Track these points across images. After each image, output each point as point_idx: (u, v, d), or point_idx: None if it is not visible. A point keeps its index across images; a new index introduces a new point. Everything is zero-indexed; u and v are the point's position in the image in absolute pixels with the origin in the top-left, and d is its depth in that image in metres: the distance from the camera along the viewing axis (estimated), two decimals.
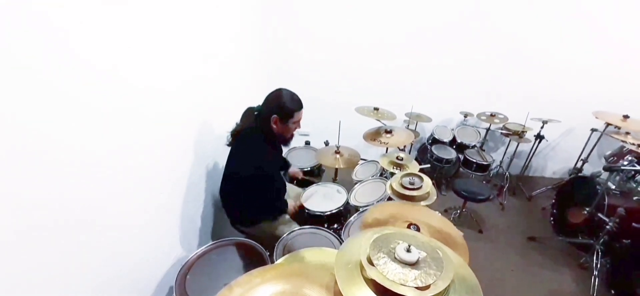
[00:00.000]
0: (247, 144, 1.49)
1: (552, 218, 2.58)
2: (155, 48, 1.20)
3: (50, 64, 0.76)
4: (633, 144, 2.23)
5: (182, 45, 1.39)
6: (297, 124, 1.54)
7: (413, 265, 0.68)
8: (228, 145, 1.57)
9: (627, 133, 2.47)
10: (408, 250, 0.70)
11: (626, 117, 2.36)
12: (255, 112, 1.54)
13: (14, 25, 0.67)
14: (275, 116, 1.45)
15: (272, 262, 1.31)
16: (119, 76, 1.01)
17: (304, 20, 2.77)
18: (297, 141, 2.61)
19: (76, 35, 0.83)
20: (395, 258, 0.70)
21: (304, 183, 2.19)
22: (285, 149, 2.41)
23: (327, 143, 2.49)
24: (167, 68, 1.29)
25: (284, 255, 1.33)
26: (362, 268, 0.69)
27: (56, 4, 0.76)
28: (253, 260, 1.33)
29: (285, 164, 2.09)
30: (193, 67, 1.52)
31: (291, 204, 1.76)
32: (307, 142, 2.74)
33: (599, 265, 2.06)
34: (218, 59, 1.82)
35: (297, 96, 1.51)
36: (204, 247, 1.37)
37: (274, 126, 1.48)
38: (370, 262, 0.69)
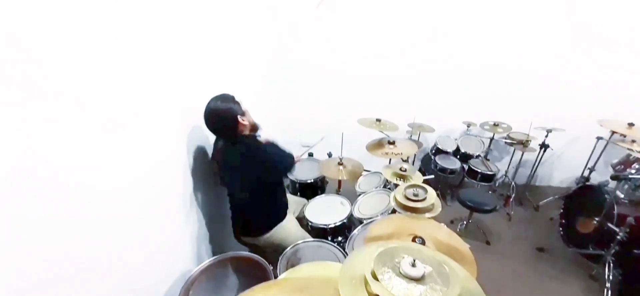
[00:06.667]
0: (244, 151, 1.48)
1: (561, 228, 2.53)
2: (155, 62, 1.22)
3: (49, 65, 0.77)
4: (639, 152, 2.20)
5: (183, 55, 1.42)
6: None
7: (419, 280, 0.67)
8: (221, 171, 1.58)
9: (633, 141, 2.43)
10: (413, 265, 0.69)
11: (631, 125, 2.34)
12: (223, 136, 1.52)
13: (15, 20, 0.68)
14: (237, 116, 1.43)
15: (276, 276, 1.30)
16: (124, 95, 1.03)
17: (306, 34, 2.82)
18: (300, 153, 2.62)
19: (79, 37, 0.84)
20: (400, 273, 0.68)
21: (306, 193, 2.19)
22: None
23: (330, 155, 2.49)
24: (170, 84, 1.31)
25: (287, 269, 1.32)
26: (366, 283, 0.68)
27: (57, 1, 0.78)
28: (256, 274, 1.32)
29: None
30: (195, 84, 1.54)
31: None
32: (311, 154, 2.74)
33: (611, 277, 2.00)
34: (221, 77, 1.86)
35: (221, 94, 1.47)
36: (207, 261, 1.36)
37: (246, 124, 1.47)
38: (375, 277, 0.68)
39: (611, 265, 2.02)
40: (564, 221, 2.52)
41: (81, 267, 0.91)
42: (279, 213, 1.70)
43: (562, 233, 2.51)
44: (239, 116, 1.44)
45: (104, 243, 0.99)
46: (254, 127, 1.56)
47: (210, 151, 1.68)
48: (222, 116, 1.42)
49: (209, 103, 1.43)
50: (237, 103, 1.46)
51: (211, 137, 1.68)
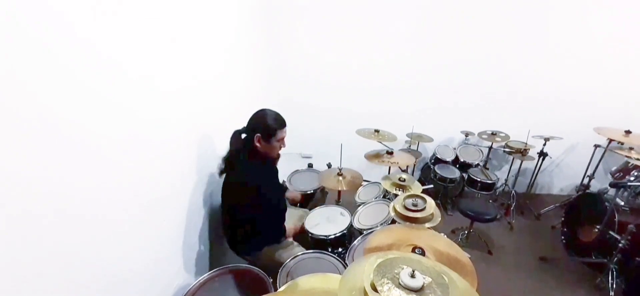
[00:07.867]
0: (241, 170, 1.50)
1: (563, 237, 2.52)
2: (153, 74, 1.22)
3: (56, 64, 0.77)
4: (638, 159, 2.20)
5: (181, 64, 1.41)
6: (281, 142, 1.55)
7: (418, 291, 0.67)
8: (220, 174, 1.58)
9: (631, 148, 2.45)
10: (412, 276, 0.69)
11: (628, 132, 2.35)
12: (241, 134, 1.56)
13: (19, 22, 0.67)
14: (258, 134, 1.47)
15: (276, 289, 1.28)
16: (120, 105, 1.04)
17: (304, 44, 2.87)
18: (300, 164, 2.63)
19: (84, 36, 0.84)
20: (399, 284, 0.68)
21: (305, 204, 2.18)
22: (287, 172, 2.42)
23: (329, 165, 2.50)
24: (168, 88, 1.31)
25: (287, 281, 1.31)
26: (366, 294, 0.68)
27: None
28: (256, 287, 1.30)
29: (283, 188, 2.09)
30: (194, 94, 1.55)
31: (290, 227, 1.75)
32: (310, 165, 2.75)
33: (614, 285, 1.98)
34: (219, 85, 1.88)
35: (280, 115, 1.54)
36: (206, 275, 1.35)
37: (258, 145, 1.49)
38: (374, 288, 0.68)
39: (614, 273, 2.00)
40: (565, 229, 2.51)
41: (77, 286, 0.90)
42: (269, 238, 1.66)
43: (564, 241, 2.49)
44: (257, 134, 1.47)
45: (102, 254, 0.99)
46: (268, 156, 1.56)
47: (212, 162, 1.68)
48: (254, 122, 1.50)
49: (265, 108, 1.53)
50: (275, 130, 1.49)
51: (212, 148, 1.69)
